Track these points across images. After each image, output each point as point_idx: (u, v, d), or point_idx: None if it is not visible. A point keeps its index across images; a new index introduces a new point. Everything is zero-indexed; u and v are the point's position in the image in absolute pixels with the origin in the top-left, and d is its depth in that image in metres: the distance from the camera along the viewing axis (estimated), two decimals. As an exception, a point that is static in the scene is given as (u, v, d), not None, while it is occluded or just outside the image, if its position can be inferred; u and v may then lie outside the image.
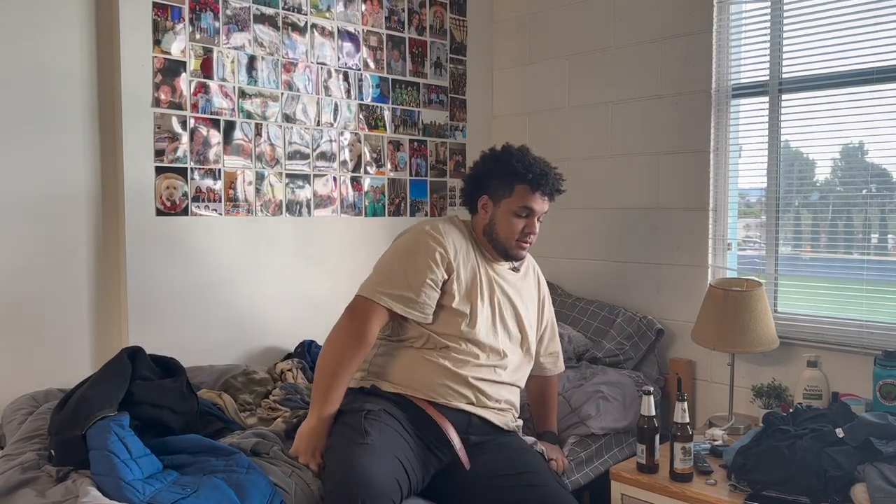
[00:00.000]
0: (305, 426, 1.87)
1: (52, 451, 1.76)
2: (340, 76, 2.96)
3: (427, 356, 1.96)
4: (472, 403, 1.99)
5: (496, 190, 2.02)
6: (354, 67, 3.01)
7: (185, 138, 2.53)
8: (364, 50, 3.04)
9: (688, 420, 2.11)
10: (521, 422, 2.15)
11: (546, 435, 2.27)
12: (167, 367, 2.00)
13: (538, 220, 2.05)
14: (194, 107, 2.55)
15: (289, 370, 2.47)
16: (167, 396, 1.87)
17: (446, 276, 1.95)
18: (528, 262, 2.22)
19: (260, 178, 2.74)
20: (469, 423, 1.99)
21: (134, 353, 1.94)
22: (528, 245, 2.06)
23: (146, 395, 1.84)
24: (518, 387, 2.13)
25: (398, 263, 1.95)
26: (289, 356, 2.67)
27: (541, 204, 2.03)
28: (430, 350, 1.97)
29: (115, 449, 1.63)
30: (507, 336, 2.07)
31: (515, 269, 2.14)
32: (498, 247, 2.04)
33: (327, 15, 2.91)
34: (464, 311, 1.97)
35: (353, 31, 2.99)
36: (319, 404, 1.87)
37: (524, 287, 2.15)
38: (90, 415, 1.71)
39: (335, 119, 2.96)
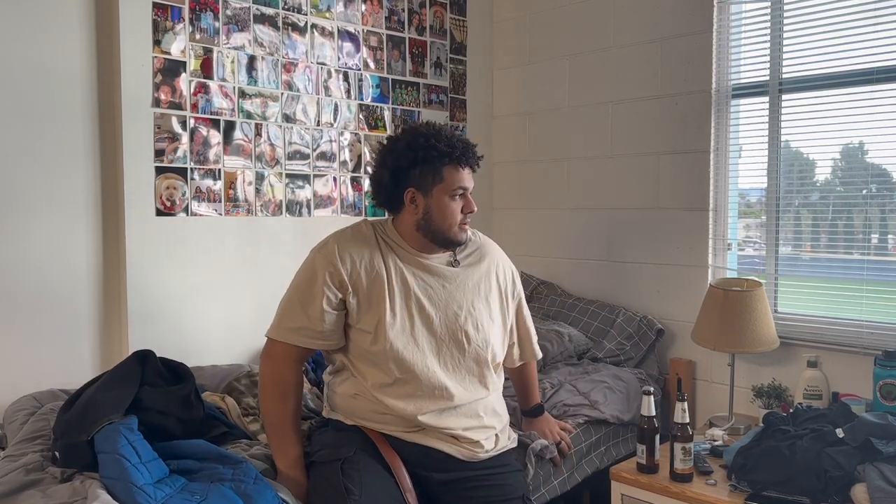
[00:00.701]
0: (279, 479, 1.77)
1: (57, 453, 1.76)
2: (340, 76, 2.96)
3: (360, 387, 1.82)
4: (424, 432, 1.81)
5: (422, 179, 1.79)
6: (354, 67, 3.01)
7: (185, 138, 2.53)
8: (364, 50, 3.04)
9: (688, 420, 2.11)
10: (506, 442, 1.94)
11: (533, 410, 2.19)
12: (176, 372, 1.98)
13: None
14: (194, 107, 2.55)
15: (291, 373, 2.46)
16: (174, 404, 1.86)
17: (340, 296, 1.78)
18: (483, 250, 1.99)
19: (260, 178, 2.74)
20: (427, 457, 1.81)
21: (144, 357, 1.92)
22: (468, 224, 1.87)
23: (153, 402, 1.83)
24: (482, 401, 1.89)
25: (295, 294, 1.81)
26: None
27: (470, 179, 1.83)
28: (358, 379, 1.83)
29: (126, 452, 1.62)
30: (439, 347, 1.83)
31: (453, 263, 1.90)
32: (439, 238, 1.83)
33: (327, 15, 2.91)
34: (367, 330, 1.79)
35: (353, 31, 2.99)
36: (278, 455, 1.79)
37: (470, 279, 1.90)
38: (97, 419, 1.69)
39: (335, 119, 2.96)
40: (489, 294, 1.95)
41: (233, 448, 1.91)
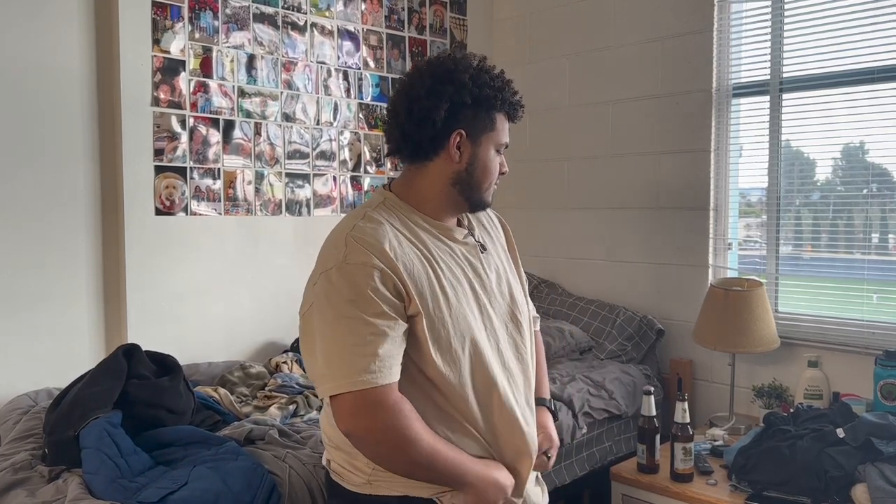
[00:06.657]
0: (472, 493, 1.33)
1: (46, 451, 1.76)
2: (340, 75, 2.96)
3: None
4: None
5: (473, 121, 1.39)
6: (354, 66, 3.00)
7: (184, 137, 2.53)
8: (364, 49, 3.03)
9: (688, 420, 2.11)
10: None
11: (538, 402, 1.56)
12: (164, 365, 1.99)
13: None
14: (193, 106, 2.55)
15: (284, 363, 2.49)
16: (163, 395, 1.86)
17: (399, 304, 1.30)
18: None
19: (259, 177, 2.73)
20: None
21: (130, 351, 1.93)
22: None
23: (141, 395, 1.83)
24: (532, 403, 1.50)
25: (345, 327, 1.26)
26: (284, 352, 2.68)
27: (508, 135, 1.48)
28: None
29: (106, 447, 1.63)
30: (504, 332, 1.45)
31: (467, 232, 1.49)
32: (474, 197, 1.44)
33: (327, 14, 2.91)
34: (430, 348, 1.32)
35: (352, 30, 2.99)
36: (466, 476, 1.31)
37: (488, 235, 1.57)
38: (84, 415, 1.70)
39: (335, 118, 2.95)
40: (504, 248, 1.62)
41: (223, 431, 1.91)
